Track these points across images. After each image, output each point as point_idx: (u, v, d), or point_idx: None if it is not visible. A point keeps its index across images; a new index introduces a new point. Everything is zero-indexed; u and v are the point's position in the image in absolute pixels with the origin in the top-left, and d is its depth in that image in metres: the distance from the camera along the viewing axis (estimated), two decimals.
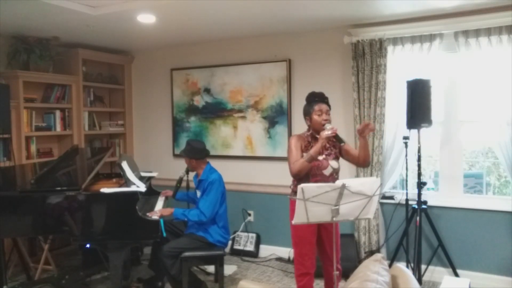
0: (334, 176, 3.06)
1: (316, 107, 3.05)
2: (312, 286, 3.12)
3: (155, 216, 3.37)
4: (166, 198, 4.11)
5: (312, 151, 2.94)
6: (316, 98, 3.10)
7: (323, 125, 3.00)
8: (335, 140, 3.04)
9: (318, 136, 3.03)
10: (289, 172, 3.04)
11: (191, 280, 3.67)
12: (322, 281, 3.35)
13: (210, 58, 5.21)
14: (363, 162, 3.13)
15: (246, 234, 5.02)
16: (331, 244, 3.03)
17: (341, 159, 3.21)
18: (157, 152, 5.68)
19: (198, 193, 3.79)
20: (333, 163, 3.08)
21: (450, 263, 3.92)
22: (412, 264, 3.84)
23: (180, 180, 4.01)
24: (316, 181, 2.96)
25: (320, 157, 3.03)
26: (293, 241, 3.13)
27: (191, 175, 4.02)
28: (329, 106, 3.12)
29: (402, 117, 3.90)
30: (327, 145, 3.10)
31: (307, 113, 3.12)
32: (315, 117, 3.04)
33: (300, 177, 2.99)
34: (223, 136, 5.18)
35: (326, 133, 2.93)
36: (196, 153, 3.80)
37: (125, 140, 5.78)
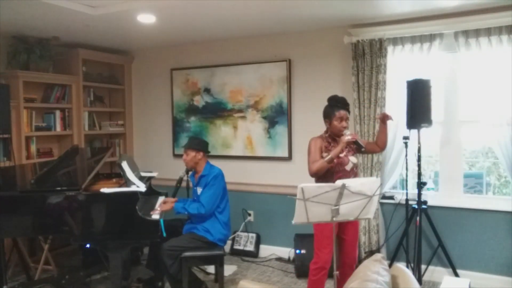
0: (354, 170, 3.26)
1: (337, 114, 3.20)
2: (324, 282, 3.18)
3: (156, 215, 3.37)
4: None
5: (333, 153, 3.12)
6: (338, 104, 3.23)
7: (342, 131, 3.18)
8: (355, 147, 3.26)
9: (337, 138, 3.23)
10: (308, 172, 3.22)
11: (191, 280, 3.67)
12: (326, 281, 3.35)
13: (210, 58, 5.21)
14: (382, 146, 3.41)
15: (246, 234, 5.02)
16: (351, 243, 3.25)
17: None
18: (157, 152, 5.67)
19: (199, 190, 3.77)
20: (352, 159, 3.27)
21: (450, 263, 3.92)
22: (412, 264, 3.84)
23: (180, 180, 3.99)
24: (339, 177, 3.07)
25: (341, 155, 3.21)
26: (314, 234, 3.25)
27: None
28: (349, 112, 3.28)
29: (402, 117, 3.90)
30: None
31: (328, 116, 3.25)
32: (335, 123, 3.20)
33: (319, 176, 3.18)
34: (223, 136, 5.18)
35: (347, 138, 3.12)
36: (205, 146, 3.83)
37: (125, 140, 5.78)
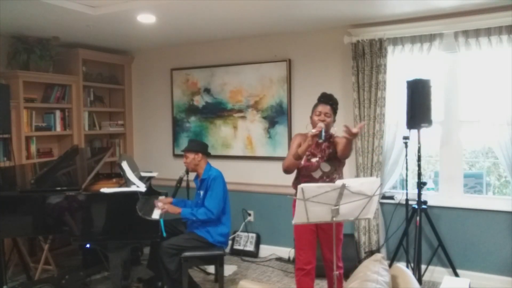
0: (324, 179, 3.06)
1: (318, 108, 3.08)
2: (307, 282, 3.13)
3: (156, 215, 3.37)
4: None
5: (299, 149, 2.95)
6: (322, 99, 3.12)
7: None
8: (331, 152, 3.05)
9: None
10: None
11: (189, 281, 3.66)
12: (322, 281, 3.36)
13: (210, 58, 5.21)
14: (343, 158, 3.08)
15: (246, 234, 5.02)
16: (328, 246, 3.10)
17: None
18: (157, 152, 5.67)
19: (202, 193, 3.78)
20: (324, 166, 3.07)
21: (450, 263, 3.92)
22: (412, 264, 3.84)
23: (180, 180, 4.00)
24: (305, 182, 2.96)
25: (314, 159, 3.07)
26: (294, 236, 3.20)
27: (191, 175, 4.01)
28: (334, 109, 3.11)
29: (402, 117, 3.90)
30: (323, 147, 3.10)
31: (311, 113, 3.14)
32: (314, 117, 3.08)
33: (290, 173, 3.09)
34: (223, 136, 5.18)
35: (311, 131, 2.90)
36: (204, 147, 3.83)
37: (125, 140, 5.78)
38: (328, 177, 3.05)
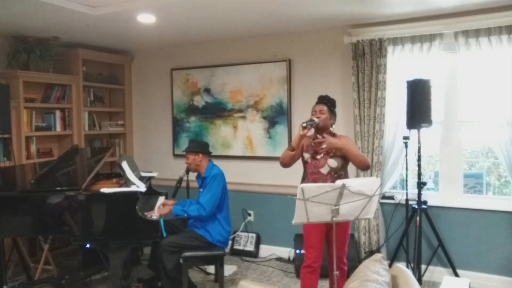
0: (332, 174, 3.11)
1: (314, 108, 3.24)
2: (312, 280, 3.14)
3: (154, 216, 3.36)
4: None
5: (293, 141, 3.16)
6: (318, 100, 3.28)
7: None
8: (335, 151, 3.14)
9: (319, 136, 3.18)
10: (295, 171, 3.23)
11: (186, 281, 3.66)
12: (322, 281, 3.35)
13: (210, 58, 5.21)
14: (360, 168, 3.27)
15: (246, 234, 5.02)
16: (337, 244, 3.10)
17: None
18: (157, 152, 5.68)
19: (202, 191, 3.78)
20: (331, 162, 3.12)
21: (450, 263, 3.92)
22: (412, 264, 3.84)
23: (180, 180, 4.00)
24: (314, 179, 3.10)
25: (318, 156, 3.14)
26: (303, 234, 3.22)
27: (192, 175, 4.01)
28: (329, 107, 3.21)
29: (402, 117, 3.90)
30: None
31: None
32: (311, 116, 3.22)
33: (285, 165, 3.23)
34: (223, 136, 5.18)
35: (302, 123, 3.08)
36: (204, 147, 3.84)
37: (125, 140, 5.78)
38: (336, 173, 3.13)
